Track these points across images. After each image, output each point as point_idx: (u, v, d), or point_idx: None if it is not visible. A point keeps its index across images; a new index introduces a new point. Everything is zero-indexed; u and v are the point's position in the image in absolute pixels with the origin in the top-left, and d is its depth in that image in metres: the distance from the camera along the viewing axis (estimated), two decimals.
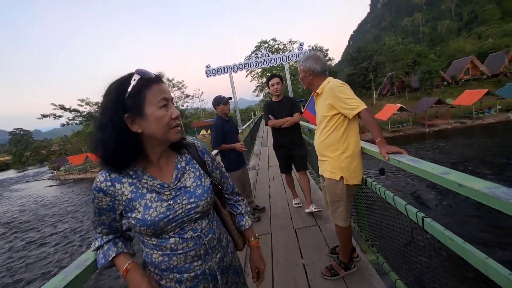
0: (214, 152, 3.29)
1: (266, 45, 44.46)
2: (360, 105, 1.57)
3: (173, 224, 0.74)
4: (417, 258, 1.19)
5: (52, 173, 43.35)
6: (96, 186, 0.73)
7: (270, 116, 3.08)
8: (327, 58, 45.48)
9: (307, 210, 2.94)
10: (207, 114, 55.53)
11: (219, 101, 3.19)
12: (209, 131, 44.16)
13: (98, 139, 0.71)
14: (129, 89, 0.68)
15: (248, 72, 43.95)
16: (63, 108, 39.70)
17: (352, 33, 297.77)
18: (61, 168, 40.87)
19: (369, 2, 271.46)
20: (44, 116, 39.36)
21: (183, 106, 49.09)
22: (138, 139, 0.72)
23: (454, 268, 0.93)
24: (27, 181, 43.36)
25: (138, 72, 0.70)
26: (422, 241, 1.09)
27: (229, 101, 3.29)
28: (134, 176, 0.75)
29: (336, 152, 1.68)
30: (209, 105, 59.57)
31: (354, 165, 1.66)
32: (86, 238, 13.10)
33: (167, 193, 0.76)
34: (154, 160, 0.78)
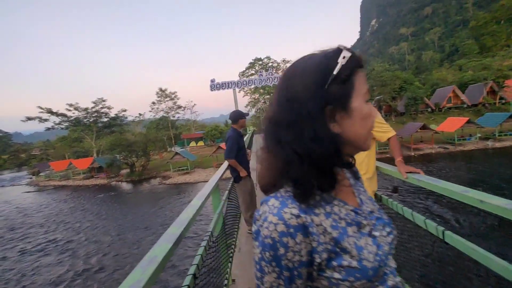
0: (226, 163, 3.44)
1: (261, 62, 45.75)
2: (391, 130, 1.70)
3: (383, 268, 0.51)
4: (438, 269, 1.32)
5: (31, 178, 41.36)
6: (286, 226, 0.44)
7: None
8: None
9: None
10: (198, 126, 55.49)
11: (242, 115, 3.34)
12: (199, 143, 43.96)
13: (281, 147, 0.49)
14: (336, 71, 0.47)
15: (238, 89, 44.77)
16: (50, 111, 38.66)
17: None
18: (41, 174, 39.11)
19: (359, 29, 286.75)
20: (29, 118, 38.11)
21: (174, 117, 49.00)
22: (336, 145, 0.49)
23: (476, 276, 1.06)
24: (2, 186, 41.08)
25: (346, 48, 0.50)
26: (442, 253, 1.22)
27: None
28: (322, 203, 0.50)
29: (360, 173, 1.76)
30: (200, 117, 59.64)
31: (372, 186, 1.75)
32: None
33: (364, 222, 0.53)
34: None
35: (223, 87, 13.95)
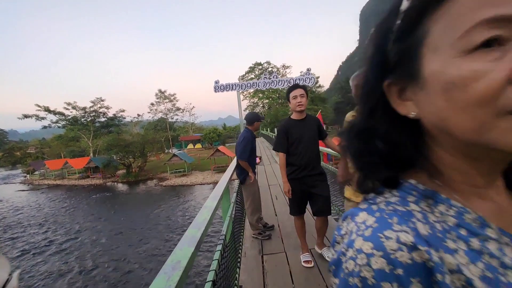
0: (234, 161, 3.42)
1: (260, 67, 45.98)
2: None
3: None
4: None
5: (25, 176, 40.75)
6: (389, 262, 0.26)
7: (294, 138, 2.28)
8: (317, 85, 47.48)
9: (318, 251, 2.55)
10: (196, 129, 55.36)
11: (258, 117, 3.28)
12: (196, 146, 43.73)
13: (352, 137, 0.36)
14: (398, 21, 0.31)
15: (241, 92, 44.89)
16: (47, 110, 38.30)
17: (341, 64, 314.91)
18: (36, 173, 38.56)
19: (358, 38, 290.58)
20: (26, 116, 37.70)
21: (172, 118, 48.88)
22: (409, 136, 0.33)
23: None
24: None
25: None
26: None
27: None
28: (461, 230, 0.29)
29: None
30: (198, 120, 59.53)
31: None
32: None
33: None
34: (482, 188, 0.32)
35: (227, 89, 13.93)
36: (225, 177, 2.39)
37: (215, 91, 13.83)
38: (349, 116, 1.81)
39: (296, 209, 2.39)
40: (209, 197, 1.66)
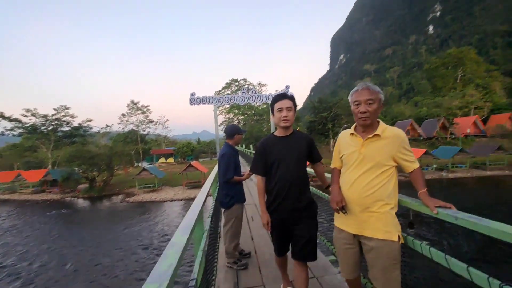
0: (209, 180, 3.06)
1: (237, 83, 46.53)
2: (416, 160, 1.52)
3: None
4: None
5: None
6: None
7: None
8: None
9: None
10: (169, 142, 53.48)
11: (239, 130, 3.01)
12: (168, 160, 42.07)
13: None
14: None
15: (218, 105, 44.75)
16: (1, 115, 34.64)
17: (313, 85, 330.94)
18: None
19: (329, 62, 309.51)
20: None
21: (144, 131, 46.79)
22: None
23: None
24: None
25: None
26: None
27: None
28: None
29: (387, 207, 1.46)
30: (172, 134, 57.76)
31: (397, 224, 1.51)
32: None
33: None
34: None
35: (203, 102, 13.61)
36: (198, 200, 2.09)
37: (191, 104, 13.47)
38: (345, 132, 1.72)
39: (277, 247, 1.99)
40: (178, 228, 1.31)
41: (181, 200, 22.68)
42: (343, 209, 1.57)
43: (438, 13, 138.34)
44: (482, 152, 27.31)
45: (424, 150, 26.56)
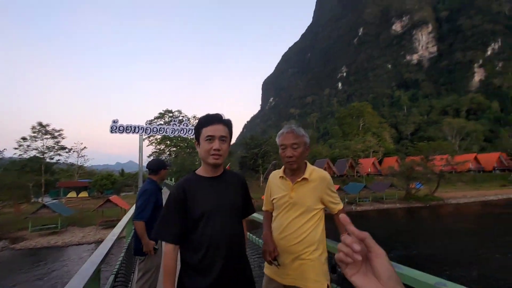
0: (125, 217, 2.78)
1: (171, 114, 45.50)
2: (340, 201, 1.53)
3: None
4: None
5: None
6: None
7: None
8: None
9: None
10: (85, 173, 45.98)
11: (164, 165, 2.72)
12: (81, 194, 36.05)
13: None
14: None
15: (146, 137, 42.08)
16: None
17: (246, 122, 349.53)
18: None
19: (260, 103, 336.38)
20: None
21: (52, 159, 39.02)
22: None
23: None
24: None
25: None
26: None
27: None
28: None
29: (317, 253, 1.43)
30: (90, 163, 50.21)
31: (326, 273, 1.45)
32: None
33: None
34: None
35: (127, 131, 12.16)
36: (98, 253, 1.56)
37: (112, 132, 12.08)
38: (275, 174, 1.69)
39: None
40: None
41: (92, 243, 19.39)
42: (276, 259, 1.44)
43: (345, 74, 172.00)
44: (379, 188, 33.45)
45: (338, 186, 30.97)
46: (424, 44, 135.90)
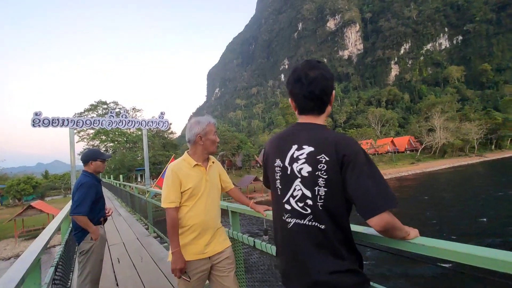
0: (56, 220, 2.65)
1: (105, 106, 41.03)
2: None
3: None
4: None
5: None
6: None
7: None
8: (170, 131, 48.16)
9: None
10: None
11: (96, 155, 2.57)
12: None
13: None
14: None
15: (76, 131, 37.19)
16: None
17: (192, 114, 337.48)
18: None
19: (206, 94, 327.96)
20: None
21: None
22: None
23: None
24: None
25: None
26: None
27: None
28: None
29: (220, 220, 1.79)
30: (3, 165, 41.86)
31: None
32: None
33: None
34: None
35: (53, 124, 10.37)
36: (34, 247, 1.58)
37: (34, 126, 10.34)
38: (181, 165, 1.79)
39: None
40: None
41: (10, 258, 16.64)
42: (186, 273, 1.57)
43: (286, 66, 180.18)
44: None
45: None
46: (353, 42, 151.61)
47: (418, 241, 0.87)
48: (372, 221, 0.83)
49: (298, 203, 0.96)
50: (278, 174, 1.04)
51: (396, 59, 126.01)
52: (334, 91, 1.03)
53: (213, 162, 1.77)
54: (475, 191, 22.63)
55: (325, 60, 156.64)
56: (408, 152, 58.07)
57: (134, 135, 40.41)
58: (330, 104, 1.03)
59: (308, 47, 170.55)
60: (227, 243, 1.77)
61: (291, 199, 0.98)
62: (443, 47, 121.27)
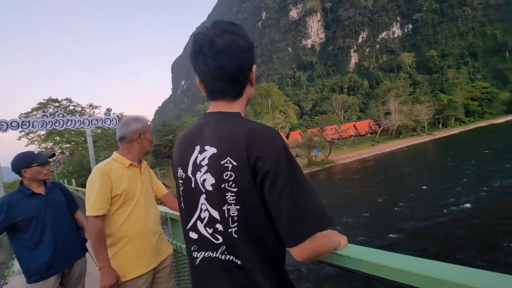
0: None
1: (57, 104, 37.49)
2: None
3: None
4: None
5: None
6: None
7: None
8: None
9: None
10: None
11: (30, 160, 1.87)
12: None
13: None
14: None
15: (24, 134, 33.65)
16: None
17: (158, 108, 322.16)
18: None
19: (171, 87, 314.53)
20: None
21: None
22: None
23: None
24: None
25: None
26: None
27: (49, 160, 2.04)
28: None
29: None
30: None
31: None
32: None
33: None
34: None
35: None
36: None
37: None
38: (112, 165, 1.55)
39: None
40: None
41: None
42: None
43: None
44: None
45: None
46: (315, 31, 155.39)
47: (345, 253, 0.72)
48: (293, 252, 0.62)
49: (207, 228, 0.69)
50: (181, 189, 0.76)
51: (355, 47, 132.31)
52: (254, 66, 0.74)
53: (146, 165, 1.62)
54: (428, 164, 26.02)
55: (290, 49, 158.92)
56: (368, 135, 62.28)
57: (93, 133, 37.76)
58: (251, 84, 0.76)
59: (272, 36, 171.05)
60: (170, 249, 1.63)
61: (198, 223, 0.71)
62: (396, 35, 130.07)
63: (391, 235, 10.59)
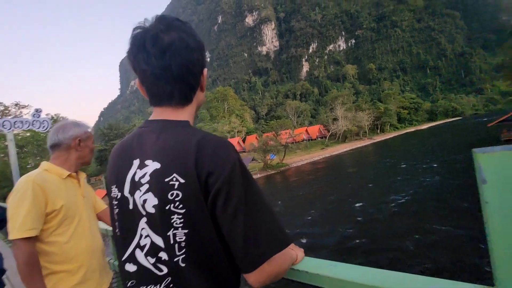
0: None
1: None
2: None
3: None
4: None
5: None
6: None
7: None
8: None
9: None
10: None
11: None
12: None
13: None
14: None
15: None
16: None
17: (103, 109, 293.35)
18: None
19: (119, 86, 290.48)
20: None
21: None
22: None
23: None
24: None
25: None
26: None
27: None
28: None
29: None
30: None
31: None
32: None
33: None
34: None
35: None
36: None
37: None
38: (46, 177, 1.30)
39: None
40: None
41: None
42: None
43: (208, 59, 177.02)
44: (245, 163, 38.65)
45: None
46: (270, 39, 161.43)
47: (302, 268, 0.68)
48: (250, 278, 0.55)
49: (149, 257, 0.58)
50: (116, 212, 0.64)
51: (306, 57, 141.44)
52: (205, 70, 0.66)
53: (84, 177, 1.42)
54: (371, 165, 29.55)
55: (246, 54, 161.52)
56: (319, 139, 66.76)
57: (19, 137, 32.48)
58: (202, 89, 0.66)
59: (228, 41, 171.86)
60: (111, 273, 1.41)
61: (137, 252, 0.59)
62: (341, 48, 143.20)
63: (344, 229, 11.68)
